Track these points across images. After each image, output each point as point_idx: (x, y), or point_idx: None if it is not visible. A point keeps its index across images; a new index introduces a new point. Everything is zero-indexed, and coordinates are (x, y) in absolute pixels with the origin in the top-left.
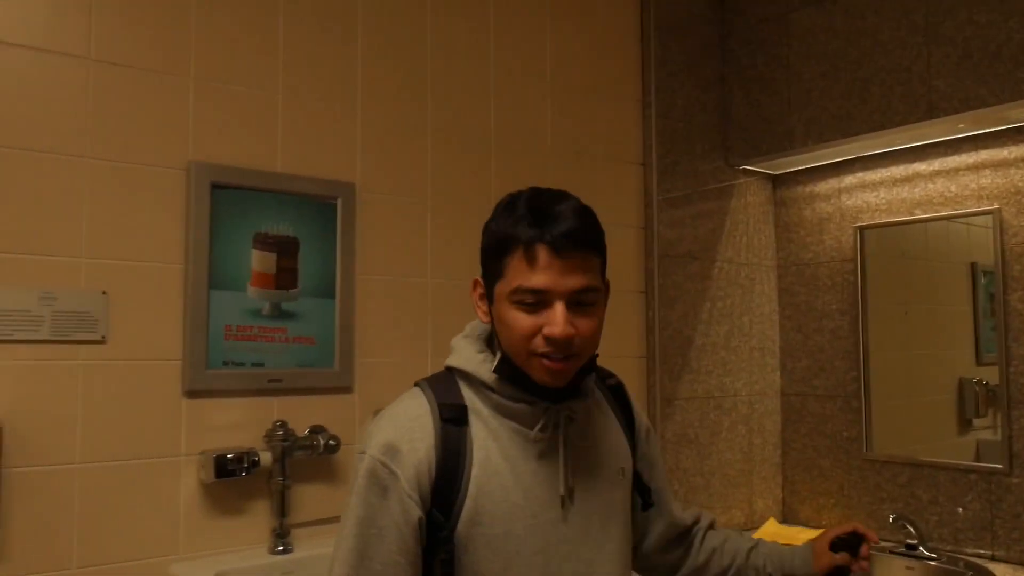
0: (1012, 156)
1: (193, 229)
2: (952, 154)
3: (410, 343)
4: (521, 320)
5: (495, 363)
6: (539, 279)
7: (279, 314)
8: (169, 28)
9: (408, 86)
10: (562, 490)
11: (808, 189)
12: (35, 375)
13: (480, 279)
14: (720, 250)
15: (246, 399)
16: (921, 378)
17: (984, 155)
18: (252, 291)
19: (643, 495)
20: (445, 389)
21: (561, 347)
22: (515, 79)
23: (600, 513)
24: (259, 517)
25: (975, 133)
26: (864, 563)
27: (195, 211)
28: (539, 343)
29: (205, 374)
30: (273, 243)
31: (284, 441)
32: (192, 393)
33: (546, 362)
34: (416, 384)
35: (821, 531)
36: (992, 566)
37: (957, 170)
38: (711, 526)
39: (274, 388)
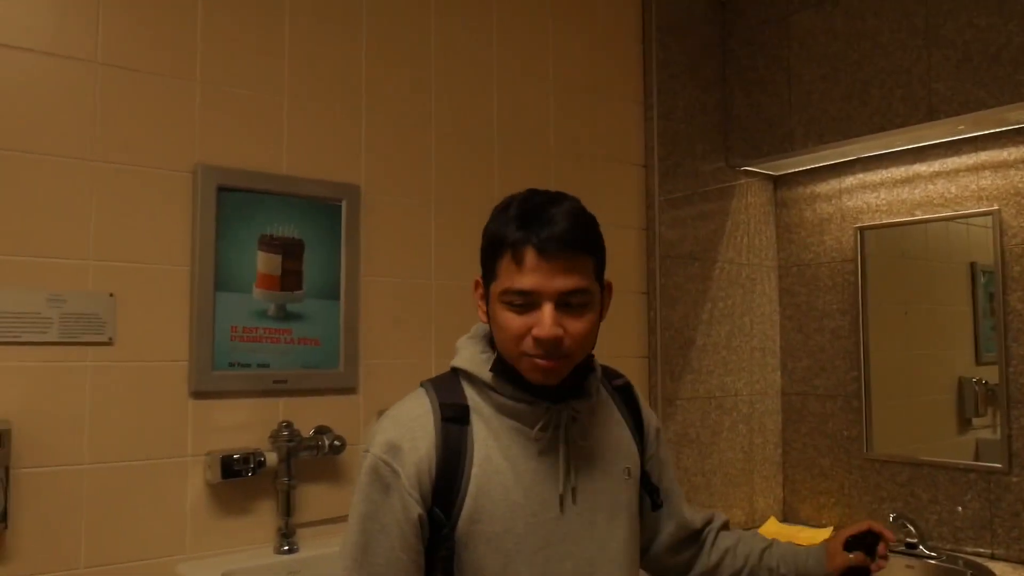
0: (1012, 157)
1: (199, 231)
2: (952, 155)
3: (414, 344)
4: (511, 321)
5: (491, 362)
6: (526, 281)
7: (284, 315)
8: (175, 32)
9: (412, 89)
10: (561, 488)
11: (809, 190)
12: (43, 377)
13: (480, 280)
14: (721, 251)
15: (252, 400)
16: (921, 378)
17: (984, 156)
18: (258, 293)
19: (651, 495)
20: (448, 389)
21: (549, 348)
22: (517, 81)
23: (603, 512)
24: (265, 517)
25: (975, 135)
26: (883, 562)
27: (201, 213)
28: (528, 344)
29: (211, 375)
30: (278, 245)
31: (289, 442)
32: (198, 394)
33: (537, 362)
34: (421, 384)
35: (819, 530)
36: (992, 565)
37: (957, 171)
38: (724, 527)
39: (279, 389)
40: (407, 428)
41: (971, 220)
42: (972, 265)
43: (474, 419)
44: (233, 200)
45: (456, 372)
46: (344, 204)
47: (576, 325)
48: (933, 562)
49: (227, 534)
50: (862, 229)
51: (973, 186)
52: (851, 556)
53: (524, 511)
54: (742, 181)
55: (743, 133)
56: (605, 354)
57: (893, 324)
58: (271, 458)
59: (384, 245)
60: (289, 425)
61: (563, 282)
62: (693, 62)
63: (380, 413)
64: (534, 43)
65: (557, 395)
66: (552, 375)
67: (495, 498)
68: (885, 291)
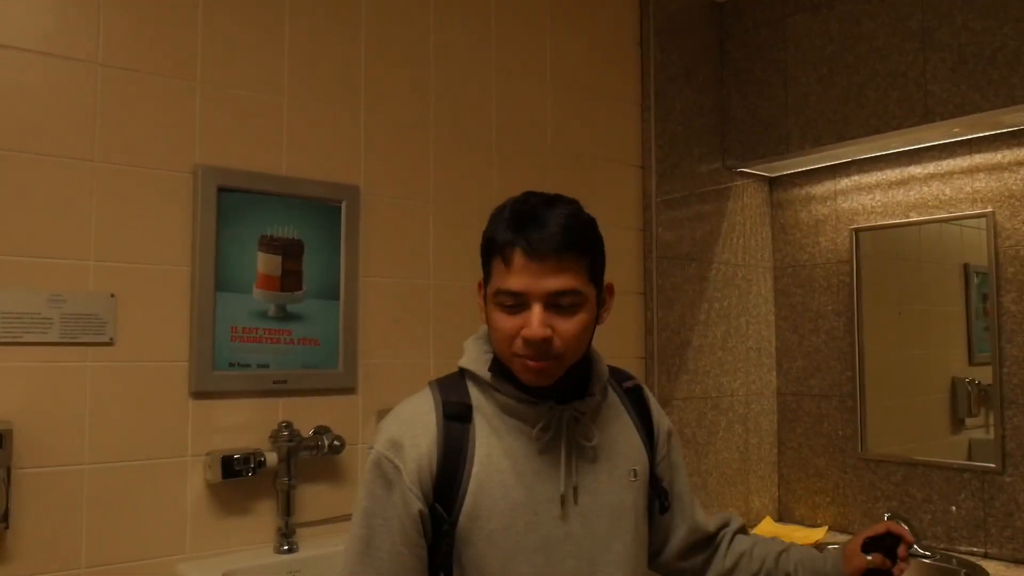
0: (1006, 160)
1: (199, 232)
2: (947, 158)
3: (413, 344)
4: (503, 321)
5: (489, 362)
6: (515, 282)
7: (284, 316)
8: (176, 32)
9: (411, 90)
10: (563, 488)
11: (804, 191)
12: (44, 377)
13: (481, 281)
14: (717, 252)
15: (252, 400)
16: (915, 378)
17: (978, 159)
18: (258, 293)
19: (660, 498)
20: (453, 388)
21: (537, 348)
22: (516, 83)
23: (607, 513)
24: (264, 517)
25: (969, 137)
26: (903, 565)
27: (201, 214)
28: (519, 345)
29: (212, 375)
30: (278, 246)
31: (290, 441)
32: (199, 394)
33: (528, 363)
34: (428, 384)
35: (814, 529)
36: (985, 564)
37: (952, 173)
38: (741, 530)
39: (279, 389)
40: (409, 425)
41: (964, 222)
42: (965, 266)
43: (477, 418)
44: (233, 201)
45: (463, 372)
46: (344, 205)
47: (566, 326)
48: (927, 561)
49: (227, 534)
50: (857, 230)
51: (968, 188)
52: (869, 558)
53: (524, 509)
54: (738, 183)
55: (740, 135)
56: (603, 354)
57: (887, 325)
58: (271, 458)
59: (383, 246)
60: (289, 425)
61: (552, 283)
62: (690, 64)
63: (380, 413)
64: (533, 45)
65: (560, 395)
66: (543, 376)
67: (495, 496)
68: (879, 292)
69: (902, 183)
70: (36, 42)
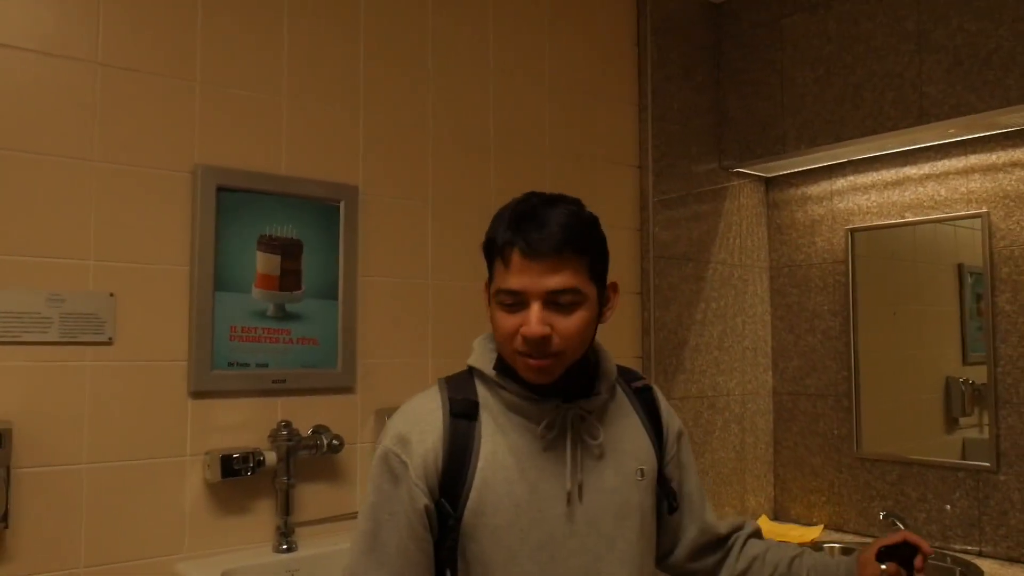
0: (1001, 161)
1: (199, 231)
2: (942, 158)
3: (411, 344)
4: (503, 320)
5: (494, 361)
6: (514, 281)
7: (283, 315)
8: (175, 32)
9: (409, 90)
10: (568, 486)
11: (800, 192)
12: (43, 376)
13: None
14: (714, 252)
15: (251, 399)
16: (910, 378)
17: (973, 160)
18: (257, 293)
19: (668, 498)
20: (461, 386)
21: (536, 346)
22: (514, 83)
23: (612, 512)
24: (263, 516)
25: (965, 138)
26: None
27: (201, 214)
28: (519, 343)
29: (210, 375)
30: (277, 245)
31: (289, 441)
32: (198, 394)
33: (528, 361)
34: (437, 381)
35: (810, 528)
36: (979, 562)
37: (947, 174)
38: (755, 534)
39: (278, 389)
40: (416, 422)
41: (958, 222)
42: (959, 267)
43: (483, 415)
44: (232, 200)
45: (471, 370)
46: (342, 205)
47: (565, 323)
48: None
49: (226, 533)
50: (853, 231)
51: (963, 189)
52: (883, 567)
53: (528, 506)
54: (735, 183)
55: (736, 135)
56: (611, 354)
57: (883, 325)
58: (270, 457)
59: (382, 245)
60: (288, 424)
61: (550, 282)
62: (687, 64)
63: (378, 412)
64: (531, 45)
65: (566, 394)
66: (543, 373)
67: (499, 492)
68: (875, 292)
69: (898, 184)
70: (36, 42)
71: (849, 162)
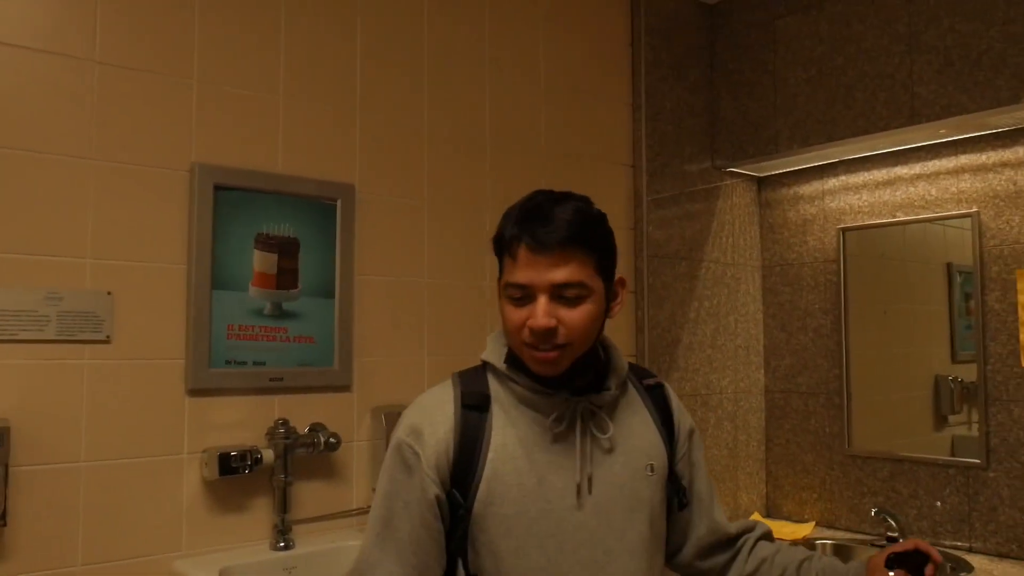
0: (991, 161)
1: (196, 230)
2: (933, 158)
3: (407, 342)
4: (511, 313)
5: (505, 355)
6: (521, 274)
7: (280, 314)
8: (172, 31)
9: (406, 90)
10: (578, 477)
11: (792, 191)
12: (41, 374)
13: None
14: (707, 250)
15: (248, 398)
16: (900, 376)
17: (964, 160)
18: (254, 291)
19: (678, 495)
20: (473, 379)
21: (543, 338)
22: (510, 83)
23: (621, 505)
24: (260, 514)
25: (955, 138)
26: None
27: (198, 212)
28: (526, 335)
29: (208, 373)
30: (274, 244)
31: (286, 439)
32: (195, 392)
33: (535, 353)
34: (451, 375)
35: (801, 525)
36: (970, 558)
37: (937, 174)
38: (764, 537)
39: (275, 387)
40: (429, 413)
41: (948, 222)
42: (948, 266)
43: (494, 408)
44: (230, 199)
45: (484, 364)
46: (339, 203)
47: (571, 316)
48: None
49: (223, 531)
50: (844, 230)
51: (953, 188)
52: (891, 574)
53: (537, 497)
54: (727, 182)
55: (729, 135)
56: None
57: (873, 323)
58: (267, 455)
59: (378, 244)
60: (285, 422)
61: (556, 275)
62: (681, 65)
63: (375, 410)
64: (526, 45)
65: (576, 388)
66: (550, 365)
67: (508, 482)
68: (866, 291)
69: (889, 183)
70: (33, 39)
71: (841, 162)
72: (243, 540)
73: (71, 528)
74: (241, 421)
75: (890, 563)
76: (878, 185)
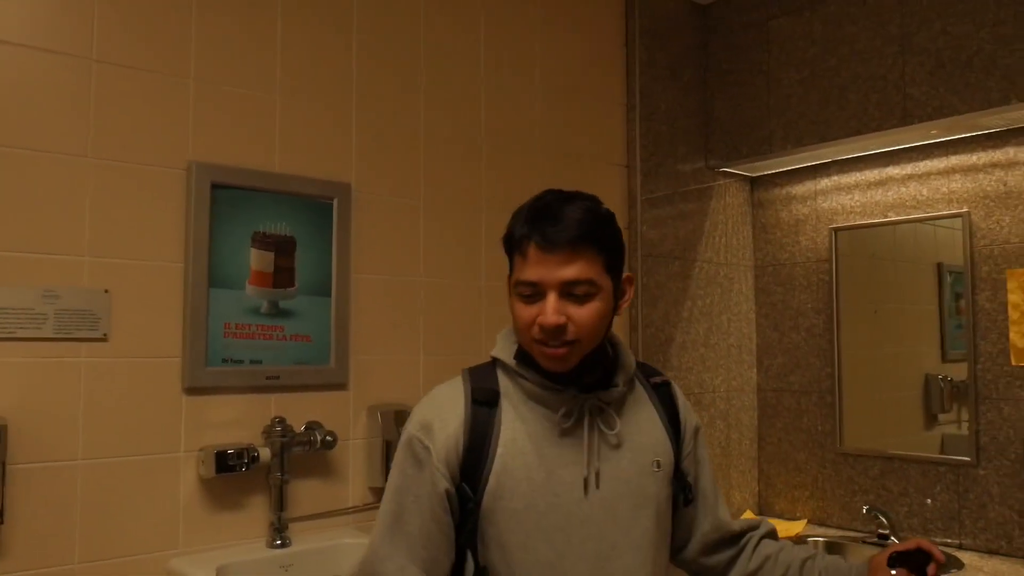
0: (981, 162)
1: (193, 228)
2: (924, 159)
3: (403, 341)
4: (522, 310)
5: (515, 351)
6: (530, 272)
7: (277, 312)
8: (169, 29)
9: (402, 89)
10: (586, 472)
11: (785, 191)
12: (38, 373)
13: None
14: (700, 250)
15: (245, 396)
16: (891, 375)
17: (955, 160)
18: (250, 289)
19: (684, 491)
20: (483, 376)
21: (552, 334)
22: (505, 83)
23: (628, 500)
24: (257, 512)
25: (947, 139)
26: None
27: (195, 210)
28: (536, 331)
29: (205, 371)
30: (271, 242)
31: (282, 437)
32: (192, 390)
33: (545, 349)
34: (462, 371)
35: (793, 522)
36: (960, 554)
37: (929, 174)
38: (769, 535)
39: (272, 385)
40: (440, 409)
41: (938, 222)
42: (939, 266)
43: (503, 403)
44: (226, 197)
45: (495, 361)
46: (335, 202)
47: (580, 313)
48: None
49: (220, 529)
50: (836, 230)
51: (944, 189)
52: (893, 572)
53: (546, 491)
54: (720, 182)
55: (723, 135)
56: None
57: (864, 323)
58: (264, 453)
59: (374, 243)
60: (282, 421)
61: (565, 273)
62: (675, 65)
63: (370, 408)
64: (521, 46)
65: (585, 384)
66: (559, 361)
67: (517, 476)
68: (857, 291)
69: (880, 184)
70: (31, 37)
71: (833, 162)
72: (240, 538)
73: (68, 526)
74: (238, 419)
75: (892, 562)
76: (870, 185)
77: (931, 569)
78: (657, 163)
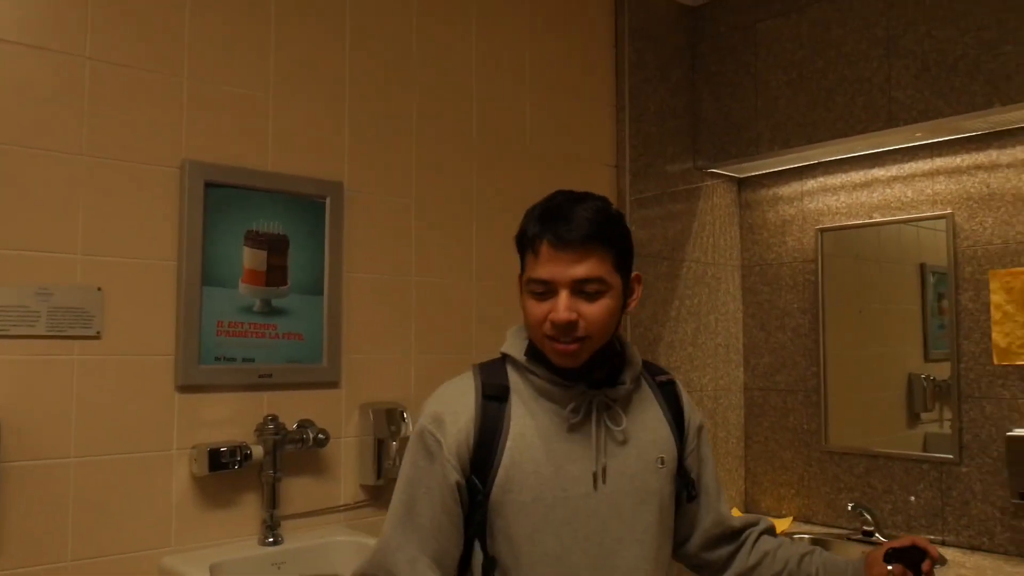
0: (965, 164)
1: (186, 226)
2: (909, 161)
3: (395, 339)
4: (533, 307)
5: (526, 347)
6: (543, 270)
7: (269, 310)
8: (163, 28)
9: (394, 89)
10: (595, 467)
11: (772, 192)
12: (31, 370)
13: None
14: (688, 250)
15: (237, 394)
16: (875, 374)
17: (939, 162)
18: (243, 288)
19: (687, 488)
20: (493, 371)
21: (564, 330)
22: (496, 84)
23: (633, 495)
24: (249, 509)
25: (931, 142)
26: None
27: (188, 209)
28: (548, 328)
29: (197, 369)
30: (264, 241)
31: (275, 435)
32: (184, 388)
33: (556, 345)
34: (471, 366)
35: (779, 520)
36: (943, 550)
37: (913, 176)
38: (769, 531)
39: (264, 383)
40: (451, 403)
41: (921, 223)
42: (922, 266)
43: (513, 398)
44: (220, 196)
45: (504, 357)
46: (328, 201)
47: (591, 310)
48: None
49: (212, 526)
50: (822, 230)
51: (928, 191)
52: (889, 568)
53: (553, 485)
54: (708, 183)
55: (711, 136)
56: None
57: (849, 323)
58: (257, 451)
59: (366, 242)
60: (275, 419)
61: (576, 271)
62: (664, 67)
63: (362, 407)
64: (512, 47)
65: (593, 382)
66: (570, 357)
67: (526, 470)
68: (842, 291)
69: (866, 185)
70: (24, 35)
71: (819, 164)
72: (232, 536)
73: (61, 524)
74: (230, 417)
75: (888, 558)
76: (855, 187)
77: (926, 565)
78: (646, 163)
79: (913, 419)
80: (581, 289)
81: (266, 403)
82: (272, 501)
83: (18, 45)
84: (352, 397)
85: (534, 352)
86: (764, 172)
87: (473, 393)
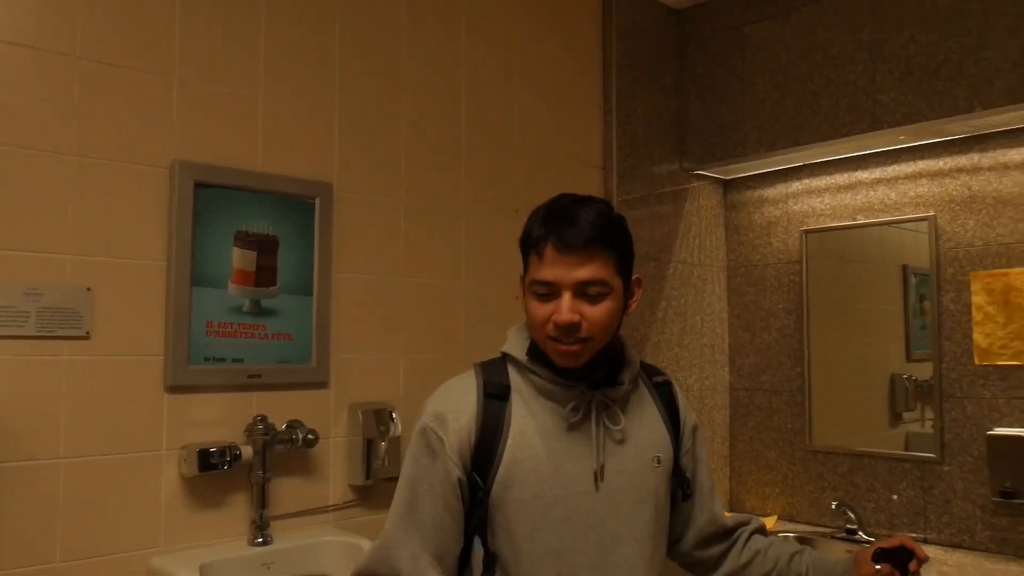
0: (947, 167)
1: (176, 227)
2: (892, 163)
3: (384, 340)
4: (537, 309)
5: (527, 348)
6: (547, 272)
7: (259, 311)
8: (153, 28)
9: (383, 90)
10: (595, 466)
11: (757, 194)
12: (20, 371)
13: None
14: (675, 251)
15: (226, 394)
16: (858, 374)
17: (922, 165)
18: (233, 288)
19: (683, 487)
20: (494, 370)
21: (567, 332)
22: (485, 85)
23: (630, 494)
24: (238, 510)
25: (914, 144)
26: None
27: (178, 209)
28: (551, 329)
29: (187, 370)
30: (253, 241)
31: (264, 435)
32: (174, 388)
33: (559, 346)
34: (473, 365)
35: (765, 519)
36: (925, 548)
37: (896, 179)
38: (759, 531)
39: (254, 384)
40: (453, 401)
41: (904, 225)
42: (904, 268)
43: (514, 397)
44: (209, 196)
45: (505, 357)
46: (317, 202)
47: (594, 311)
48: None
49: (202, 527)
50: (807, 232)
51: (911, 193)
52: (877, 567)
53: (553, 483)
54: (694, 184)
55: (698, 138)
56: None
57: (833, 323)
58: (246, 451)
59: (356, 242)
60: (264, 419)
61: (580, 273)
62: (651, 69)
63: (351, 407)
64: (501, 48)
65: (593, 382)
66: (572, 358)
67: (526, 467)
68: (826, 292)
69: (850, 187)
70: (13, 34)
71: (804, 166)
72: (221, 536)
73: (50, 524)
74: (219, 418)
75: (876, 558)
76: (840, 189)
77: (913, 565)
78: (633, 165)
79: (895, 419)
80: (584, 291)
81: (255, 403)
82: (261, 501)
83: (7, 44)
84: (341, 397)
85: (535, 352)
86: (750, 174)
87: (475, 392)
